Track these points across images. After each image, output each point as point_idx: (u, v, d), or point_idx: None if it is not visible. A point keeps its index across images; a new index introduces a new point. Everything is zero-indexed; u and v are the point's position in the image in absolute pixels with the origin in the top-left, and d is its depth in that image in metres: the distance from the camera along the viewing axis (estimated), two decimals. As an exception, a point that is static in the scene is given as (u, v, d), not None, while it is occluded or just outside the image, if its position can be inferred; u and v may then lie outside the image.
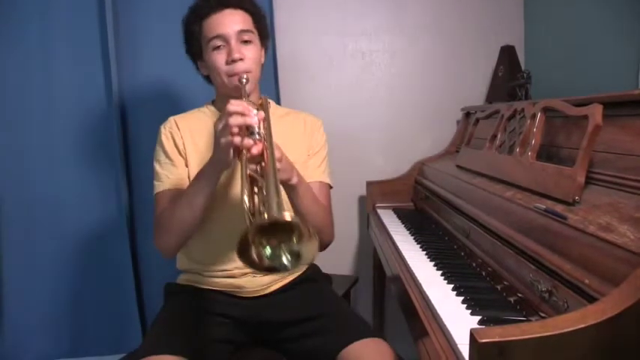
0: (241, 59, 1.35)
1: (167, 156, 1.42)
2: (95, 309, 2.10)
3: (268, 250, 0.95)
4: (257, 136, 1.13)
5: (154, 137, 1.46)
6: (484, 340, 0.65)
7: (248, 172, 1.12)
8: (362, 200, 2.42)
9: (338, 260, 2.37)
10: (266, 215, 0.92)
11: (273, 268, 0.96)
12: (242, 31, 1.37)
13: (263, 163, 1.13)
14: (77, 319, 2.10)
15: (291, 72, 2.34)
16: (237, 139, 1.13)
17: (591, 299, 0.80)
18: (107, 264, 2.08)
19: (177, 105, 2.01)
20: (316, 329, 1.33)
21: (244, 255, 0.94)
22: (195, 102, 1.63)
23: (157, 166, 1.42)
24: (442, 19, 2.41)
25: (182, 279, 1.51)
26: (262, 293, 1.44)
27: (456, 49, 2.42)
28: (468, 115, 2.28)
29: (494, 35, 2.36)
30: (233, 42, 1.36)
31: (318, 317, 1.36)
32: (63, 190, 2.04)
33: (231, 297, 1.44)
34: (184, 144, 1.43)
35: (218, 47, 1.36)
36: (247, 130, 1.14)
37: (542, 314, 0.95)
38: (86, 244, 2.08)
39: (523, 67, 2.21)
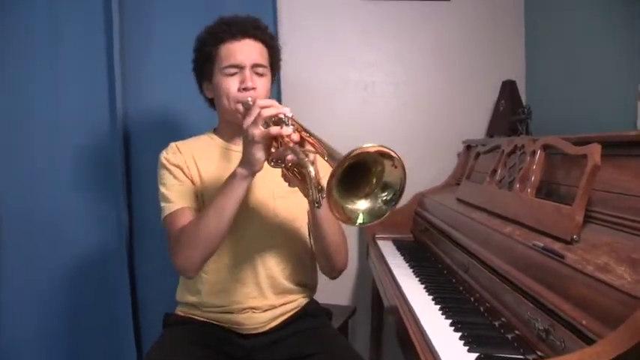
0: (254, 88, 1.37)
1: (174, 177, 1.40)
2: (91, 333, 2.07)
3: (361, 202, 0.97)
4: (290, 126, 1.13)
5: (156, 161, 1.46)
6: (480, 381, 0.65)
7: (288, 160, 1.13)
8: (362, 230, 2.42)
9: (337, 290, 2.36)
10: (335, 166, 0.90)
11: (375, 214, 0.97)
12: (257, 65, 1.40)
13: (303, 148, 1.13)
14: (73, 344, 2.07)
15: (293, 100, 2.36)
16: (274, 129, 1.13)
17: (589, 340, 0.80)
18: (105, 289, 2.06)
19: (181, 130, 2.02)
20: None
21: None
22: (198, 128, 1.64)
23: (163, 190, 1.40)
24: (445, 53, 2.45)
25: (181, 310, 1.49)
26: (261, 330, 1.42)
27: (458, 83, 2.46)
28: (469, 148, 2.30)
29: (496, 70, 2.40)
30: (247, 71, 1.37)
31: (315, 355, 1.34)
32: (63, 211, 2.04)
33: (229, 333, 1.42)
34: (189, 168, 1.42)
35: (232, 74, 1.38)
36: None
37: (540, 353, 0.94)
38: (84, 268, 2.07)
39: (524, 102, 2.24)
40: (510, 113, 2.15)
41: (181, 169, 1.41)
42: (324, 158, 1.02)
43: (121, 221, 2.03)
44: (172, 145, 1.47)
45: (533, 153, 1.38)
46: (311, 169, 1.02)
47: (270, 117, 1.16)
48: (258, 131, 1.15)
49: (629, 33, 1.60)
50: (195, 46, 1.46)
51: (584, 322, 0.81)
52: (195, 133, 1.57)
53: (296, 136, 1.12)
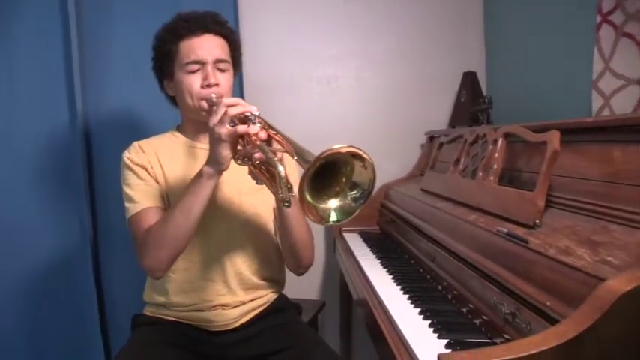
0: (217, 84, 1.35)
1: (138, 177, 1.37)
2: (57, 338, 2.02)
3: (332, 201, 0.98)
4: (257, 124, 1.13)
5: (119, 161, 1.43)
6: (451, 365, 0.66)
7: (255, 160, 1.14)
8: (329, 224, 2.43)
9: (305, 284, 2.36)
10: (306, 167, 0.91)
11: (346, 211, 0.98)
12: (219, 60, 1.37)
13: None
14: (38, 349, 2.02)
15: (255, 95, 2.35)
16: (241, 128, 1.12)
17: (553, 321, 0.82)
18: (70, 291, 2.01)
19: (143, 129, 1.99)
20: None
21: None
22: (161, 126, 1.61)
23: (127, 190, 1.37)
24: (406, 46, 2.47)
25: (149, 310, 1.47)
26: (232, 327, 1.41)
27: (420, 75, 2.48)
28: (431, 139, 2.33)
29: (457, 61, 2.43)
30: (210, 67, 1.35)
31: (286, 349, 1.34)
32: (24, 215, 1.98)
33: (199, 331, 1.41)
34: (152, 167, 1.39)
35: (194, 71, 1.36)
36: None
37: (507, 336, 0.97)
38: (48, 272, 2.01)
39: (484, 93, 2.28)
40: (471, 104, 2.19)
41: (145, 169, 1.39)
42: (292, 157, 1.02)
43: (84, 223, 1.98)
44: (135, 144, 1.44)
45: (495, 142, 1.41)
46: (280, 168, 1.01)
47: (237, 115, 1.15)
48: (224, 130, 1.14)
49: (584, 24, 1.65)
50: (153, 44, 1.43)
51: (548, 303, 0.83)
52: (158, 131, 1.54)
53: (263, 135, 1.12)
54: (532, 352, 0.67)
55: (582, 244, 0.91)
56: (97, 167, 2.07)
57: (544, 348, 0.67)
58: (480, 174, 1.41)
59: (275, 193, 1.12)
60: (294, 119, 2.39)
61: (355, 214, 0.98)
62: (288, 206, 1.03)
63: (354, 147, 0.92)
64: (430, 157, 2.10)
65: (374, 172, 0.95)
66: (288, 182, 1.01)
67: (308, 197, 0.93)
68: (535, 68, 2.01)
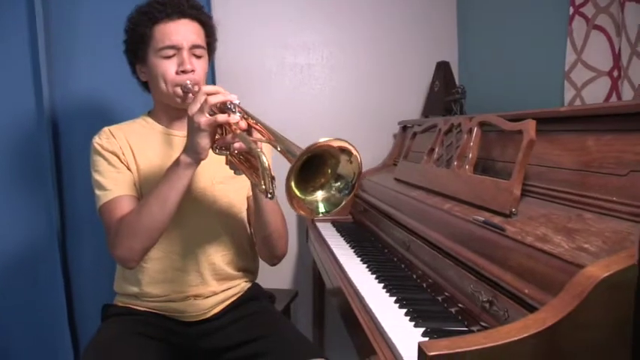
0: (193, 71, 1.32)
1: (109, 163, 1.33)
2: (24, 331, 1.96)
3: (318, 192, 0.97)
4: (237, 113, 1.11)
5: (88, 149, 1.39)
6: (433, 353, 0.65)
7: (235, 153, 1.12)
8: (301, 213, 2.42)
9: (278, 274, 2.34)
10: (297, 156, 0.89)
11: (333, 202, 0.97)
12: (195, 46, 1.34)
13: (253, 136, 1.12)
14: (4, 341, 1.96)
15: (228, 82, 2.30)
16: (221, 117, 1.10)
17: (531, 308, 0.83)
18: (37, 283, 1.95)
19: (113, 116, 1.94)
20: (259, 352, 1.29)
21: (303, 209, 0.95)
22: (132, 113, 1.57)
23: (97, 177, 1.33)
24: (380, 35, 2.46)
25: (119, 300, 1.43)
26: (204, 317, 1.39)
27: (393, 64, 2.47)
28: (405, 128, 2.33)
29: (430, 51, 2.44)
30: (185, 53, 1.31)
31: (260, 339, 1.32)
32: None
33: (171, 322, 1.38)
34: (124, 153, 1.36)
35: (169, 56, 1.32)
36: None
37: (484, 324, 0.97)
38: (14, 263, 1.95)
39: (457, 83, 2.28)
40: (445, 94, 2.19)
41: (116, 155, 1.35)
42: (276, 148, 1.00)
43: (51, 212, 1.92)
44: (105, 129, 1.39)
45: (470, 131, 1.41)
46: (264, 159, 1.00)
47: (217, 104, 1.12)
48: (204, 119, 1.11)
49: (558, 15, 1.66)
50: (126, 27, 1.38)
51: (526, 290, 0.84)
52: (128, 117, 1.50)
53: (244, 124, 1.10)
54: (513, 339, 0.67)
55: (558, 231, 0.91)
56: (65, 155, 2.01)
57: (524, 335, 0.67)
58: (455, 163, 1.41)
59: (256, 184, 1.09)
60: (267, 107, 2.36)
61: (342, 204, 0.97)
62: (271, 198, 1.01)
63: (343, 140, 0.91)
64: (403, 146, 2.10)
65: (359, 166, 0.95)
66: (271, 173, 0.99)
67: (296, 191, 0.92)
68: (508, 59, 2.02)
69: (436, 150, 1.62)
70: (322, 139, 0.89)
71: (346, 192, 0.97)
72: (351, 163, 0.95)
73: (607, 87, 1.49)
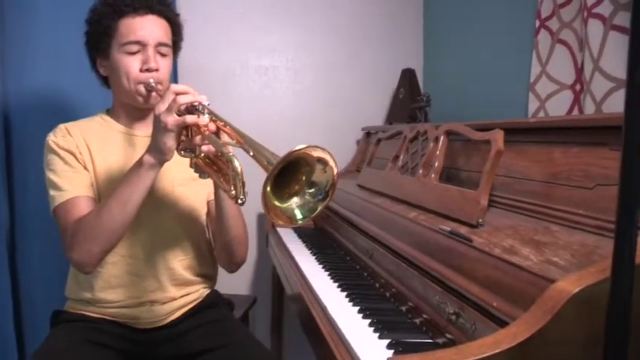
0: (157, 70, 1.27)
1: (65, 162, 1.27)
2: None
3: (293, 199, 0.94)
4: (206, 115, 1.07)
5: (41, 147, 1.32)
6: (403, 370, 0.63)
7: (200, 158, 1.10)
8: (261, 218, 2.37)
9: (236, 280, 2.29)
10: (270, 167, 0.86)
11: (308, 208, 0.95)
12: (161, 44, 1.29)
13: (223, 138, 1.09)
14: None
15: (190, 81, 2.21)
16: (190, 118, 1.06)
17: (499, 321, 0.81)
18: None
19: (70, 113, 1.84)
20: None
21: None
22: (91, 110, 1.49)
23: (52, 176, 1.26)
24: (346, 40, 2.45)
25: (71, 306, 1.36)
26: (160, 324, 1.34)
27: (358, 71, 2.47)
28: (368, 134, 2.32)
29: (396, 58, 2.44)
30: (151, 51, 1.26)
31: (218, 348, 1.27)
32: None
33: (125, 329, 1.32)
34: (81, 152, 1.29)
35: (133, 52, 1.26)
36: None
37: (449, 336, 0.95)
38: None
39: (422, 91, 2.29)
40: (409, 101, 2.19)
41: (73, 154, 1.29)
42: (248, 153, 0.96)
43: (1, 217, 1.81)
44: (61, 126, 1.33)
45: (437, 139, 1.40)
46: (237, 164, 0.97)
47: (186, 104, 1.08)
48: (172, 119, 1.07)
49: (525, 28, 1.68)
50: (89, 18, 1.31)
51: (494, 303, 0.82)
52: (85, 114, 1.43)
53: (213, 126, 1.07)
54: (484, 355, 0.65)
55: (526, 243, 0.90)
56: (16, 152, 1.90)
57: (496, 351, 0.65)
58: (421, 171, 1.40)
59: (226, 190, 1.05)
60: (229, 109, 2.25)
61: (318, 211, 0.95)
62: (242, 204, 0.98)
63: (321, 149, 0.89)
64: (367, 153, 2.09)
65: (334, 176, 0.93)
66: (243, 179, 0.96)
67: (273, 200, 0.90)
68: (474, 68, 2.04)
69: (401, 157, 1.60)
70: (299, 147, 0.86)
71: (320, 197, 0.94)
72: (325, 172, 0.93)
73: (570, 100, 1.51)
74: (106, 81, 1.37)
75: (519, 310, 0.76)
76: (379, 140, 1.95)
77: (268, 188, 0.87)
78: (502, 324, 0.80)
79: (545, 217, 1.00)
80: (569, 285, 0.69)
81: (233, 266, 1.40)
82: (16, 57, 1.88)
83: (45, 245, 1.85)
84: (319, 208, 0.95)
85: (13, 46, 1.88)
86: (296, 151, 0.86)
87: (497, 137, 1.12)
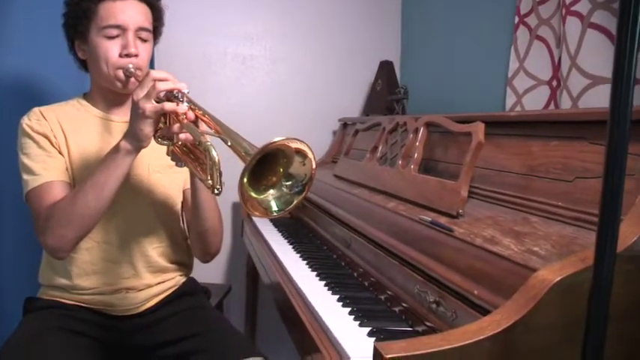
0: (136, 55, 1.24)
1: (39, 146, 1.24)
2: None
3: (270, 190, 0.93)
4: (185, 103, 1.05)
5: (14, 133, 1.28)
6: (391, 356, 0.63)
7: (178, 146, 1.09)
8: (236, 207, 2.36)
9: (211, 268, 2.26)
10: (248, 158, 0.85)
11: (285, 201, 0.93)
12: (142, 29, 1.26)
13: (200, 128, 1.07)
14: None
15: (166, 68, 2.18)
16: (169, 105, 1.04)
17: (480, 309, 0.83)
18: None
19: (42, 98, 1.77)
20: (194, 349, 1.23)
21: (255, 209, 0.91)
22: (65, 94, 1.45)
23: (25, 160, 1.23)
24: (324, 30, 2.45)
25: (45, 293, 1.33)
26: (136, 312, 1.32)
27: (335, 61, 2.47)
28: (345, 125, 2.32)
29: (374, 49, 2.45)
30: (131, 35, 1.23)
31: (195, 336, 1.26)
32: None
33: (101, 316, 1.30)
34: (56, 137, 1.26)
35: (112, 36, 1.23)
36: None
37: (429, 324, 0.96)
38: None
39: (400, 83, 2.30)
40: (387, 93, 2.20)
41: (47, 138, 1.26)
42: (226, 143, 0.95)
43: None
44: (35, 110, 1.29)
45: (416, 130, 1.41)
46: (214, 153, 0.96)
47: (165, 91, 1.07)
48: (150, 105, 1.05)
49: (504, 22, 1.70)
50: (68, 0, 1.28)
51: (475, 292, 0.83)
52: (60, 99, 1.39)
53: (192, 115, 1.06)
54: (469, 341, 0.66)
55: (506, 234, 0.92)
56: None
57: (480, 337, 0.66)
58: (400, 162, 1.41)
59: (202, 179, 1.04)
60: (206, 97, 2.26)
61: (294, 203, 0.94)
62: (218, 194, 0.97)
63: (300, 141, 0.88)
64: (343, 143, 2.09)
65: (312, 169, 0.92)
66: (220, 168, 0.96)
67: (249, 191, 0.89)
68: (452, 62, 2.06)
69: (380, 148, 1.61)
70: (278, 138, 0.86)
71: (297, 190, 0.94)
72: (304, 165, 0.92)
73: (546, 96, 1.54)
74: (84, 64, 1.34)
75: (500, 298, 0.77)
76: (357, 131, 1.95)
77: (245, 179, 0.86)
78: (483, 312, 0.81)
79: (524, 209, 1.02)
80: (550, 274, 0.70)
81: (207, 256, 1.40)
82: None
83: (16, 231, 1.80)
84: (295, 201, 0.94)
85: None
86: (274, 142, 0.85)
87: (478, 129, 1.14)
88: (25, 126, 1.25)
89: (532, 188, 1.04)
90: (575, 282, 0.69)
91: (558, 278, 0.69)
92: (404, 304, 1.07)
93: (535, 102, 1.57)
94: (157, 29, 1.36)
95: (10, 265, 1.85)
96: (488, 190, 1.14)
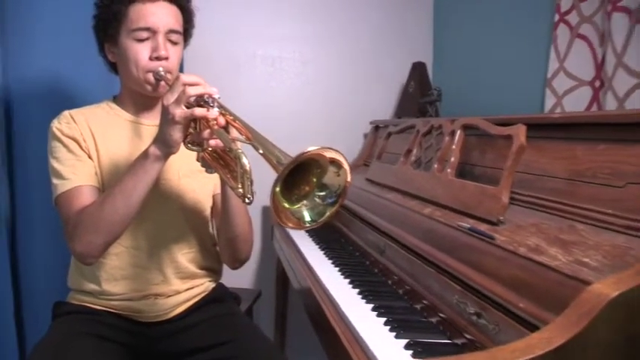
0: (166, 58, 1.23)
1: (68, 150, 1.23)
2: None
3: (302, 201, 0.90)
4: (216, 108, 1.03)
5: (44, 137, 1.28)
6: (435, 374, 0.59)
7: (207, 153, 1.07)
8: (266, 211, 2.34)
9: (241, 273, 2.25)
10: (281, 168, 0.82)
11: (318, 212, 0.90)
12: (172, 31, 1.25)
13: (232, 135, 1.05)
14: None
15: (194, 71, 2.19)
16: (199, 111, 1.02)
17: (524, 322, 0.78)
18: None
19: (72, 102, 1.79)
20: (223, 357, 1.21)
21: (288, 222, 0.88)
22: (95, 98, 1.45)
23: (55, 164, 1.23)
24: (354, 32, 2.41)
25: (74, 298, 1.33)
26: (164, 318, 1.30)
27: (367, 62, 2.43)
28: (377, 128, 2.28)
29: (406, 51, 2.40)
30: (161, 38, 1.22)
31: (224, 344, 1.24)
32: None
33: (129, 322, 1.28)
34: (85, 140, 1.26)
35: (142, 39, 1.22)
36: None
37: (469, 336, 0.92)
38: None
39: (433, 85, 2.25)
40: (419, 95, 2.15)
41: (77, 142, 1.25)
42: (257, 150, 0.92)
43: (1, 205, 1.77)
44: (65, 113, 1.29)
45: (452, 133, 1.36)
46: (245, 161, 0.93)
47: (195, 96, 1.04)
48: (180, 111, 1.02)
49: (543, 22, 1.64)
50: (99, 2, 1.27)
51: (520, 304, 0.79)
52: (90, 102, 1.39)
53: (222, 121, 1.03)
54: (517, 360, 0.62)
55: (552, 242, 0.87)
56: (18, 140, 1.85)
57: (530, 356, 0.62)
58: (435, 166, 1.37)
59: (232, 187, 1.02)
60: (234, 99, 2.23)
61: (326, 216, 0.90)
62: (249, 203, 0.94)
63: (335, 151, 0.85)
64: (375, 146, 2.05)
65: (347, 180, 0.89)
66: (251, 177, 0.93)
67: (282, 201, 0.86)
68: (487, 63, 2.00)
69: (414, 152, 1.57)
70: (312, 148, 0.82)
71: (330, 201, 0.90)
72: (338, 175, 0.89)
73: (588, 97, 1.48)
74: (114, 67, 1.33)
75: (547, 312, 0.73)
76: (389, 134, 1.91)
77: (278, 188, 0.83)
78: (527, 325, 0.77)
79: (569, 216, 0.96)
80: (606, 288, 0.65)
81: (236, 263, 1.37)
82: (17, 44, 1.83)
83: (47, 235, 1.81)
84: (328, 213, 0.90)
85: (15, 33, 1.82)
86: (309, 152, 0.82)
87: (520, 132, 1.08)
88: (54, 129, 1.25)
89: (577, 194, 0.98)
90: (634, 297, 0.64)
91: (616, 293, 0.64)
92: (441, 315, 1.02)
93: (576, 103, 1.51)
94: (187, 31, 1.34)
95: (40, 270, 1.86)
96: (530, 195, 1.09)
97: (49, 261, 1.79)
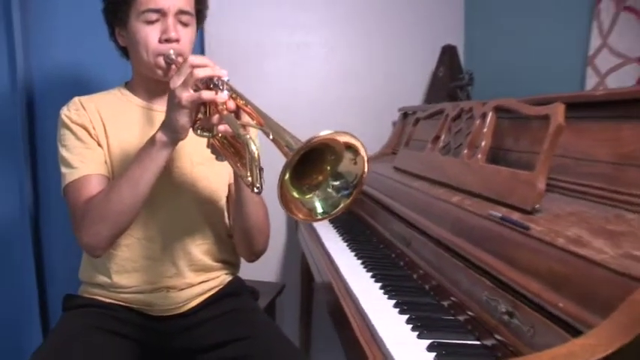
0: (177, 40, 1.16)
1: (77, 138, 1.19)
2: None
3: (315, 191, 0.82)
4: (225, 91, 0.96)
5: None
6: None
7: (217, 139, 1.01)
8: (290, 201, 2.27)
9: (263, 266, 2.19)
10: (291, 153, 0.74)
11: (331, 203, 0.82)
12: (182, 12, 1.18)
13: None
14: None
15: (217, 59, 2.12)
16: (207, 94, 0.96)
17: (563, 324, 0.68)
18: (7, 269, 1.82)
19: (91, 89, 1.73)
20: (237, 355, 1.15)
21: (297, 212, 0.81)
22: (108, 86, 1.40)
23: (64, 152, 1.19)
24: (381, 16, 2.31)
25: (85, 291, 1.28)
26: (177, 312, 1.25)
27: (394, 48, 2.32)
28: (405, 115, 2.18)
29: (435, 34, 2.28)
30: (171, 19, 1.16)
31: (239, 340, 1.17)
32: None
33: (140, 316, 1.23)
34: (94, 127, 1.21)
35: (152, 21, 1.16)
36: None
37: (499, 337, 0.82)
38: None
39: (464, 69, 2.13)
40: (450, 80, 2.04)
41: (86, 129, 1.20)
42: (268, 136, 0.84)
43: (23, 190, 1.77)
44: (75, 100, 1.24)
45: (483, 116, 1.26)
46: (253, 148, 0.86)
47: (204, 79, 0.98)
48: (187, 94, 0.96)
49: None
50: None
51: (560, 304, 0.69)
52: (105, 89, 1.34)
53: (232, 105, 0.96)
54: (556, 370, 0.52)
55: (596, 233, 0.77)
56: (39, 130, 1.85)
57: (571, 365, 0.53)
58: (465, 151, 1.27)
59: (242, 175, 0.95)
60: (257, 86, 2.19)
61: (339, 208, 0.82)
62: (258, 192, 0.87)
63: (349, 134, 0.77)
64: (403, 134, 1.95)
65: (364, 169, 0.80)
66: (260, 164, 0.85)
67: (292, 190, 0.78)
68: (522, 43, 1.87)
69: (442, 137, 1.47)
70: (324, 132, 0.74)
71: (345, 193, 0.82)
72: (355, 164, 0.80)
73: (635, 75, 1.35)
74: (125, 51, 1.28)
75: (591, 314, 0.63)
76: (417, 120, 1.81)
77: (286, 176, 0.75)
78: (567, 328, 0.67)
79: (616, 204, 0.86)
80: (663, 286, 0.55)
81: (252, 256, 1.31)
82: (39, 32, 1.82)
83: (69, 224, 1.81)
84: (341, 205, 0.82)
85: (36, 21, 1.82)
86: (320, 136, 0.74)
87: (558, 111, 0.97)
88: (63, 116, 1.21)
89: (624, 179, 0.88)
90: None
91: (675, 293, 0.54)
92: (469, 313, 0.93)
93: (621, 82, 1.38)
94: (200, 12, 1.27)
95: (63, 259, 1.85)
96: (569, 181, 0.98)
97: (72, 250, 1.78)
